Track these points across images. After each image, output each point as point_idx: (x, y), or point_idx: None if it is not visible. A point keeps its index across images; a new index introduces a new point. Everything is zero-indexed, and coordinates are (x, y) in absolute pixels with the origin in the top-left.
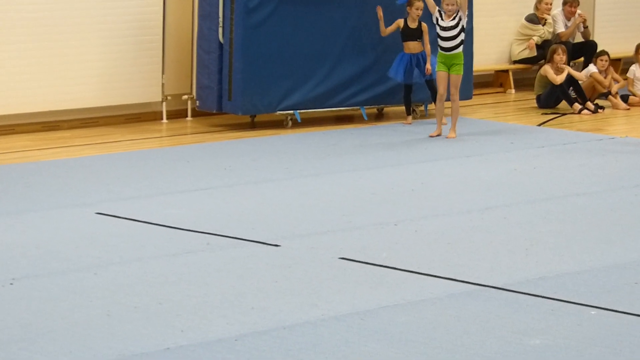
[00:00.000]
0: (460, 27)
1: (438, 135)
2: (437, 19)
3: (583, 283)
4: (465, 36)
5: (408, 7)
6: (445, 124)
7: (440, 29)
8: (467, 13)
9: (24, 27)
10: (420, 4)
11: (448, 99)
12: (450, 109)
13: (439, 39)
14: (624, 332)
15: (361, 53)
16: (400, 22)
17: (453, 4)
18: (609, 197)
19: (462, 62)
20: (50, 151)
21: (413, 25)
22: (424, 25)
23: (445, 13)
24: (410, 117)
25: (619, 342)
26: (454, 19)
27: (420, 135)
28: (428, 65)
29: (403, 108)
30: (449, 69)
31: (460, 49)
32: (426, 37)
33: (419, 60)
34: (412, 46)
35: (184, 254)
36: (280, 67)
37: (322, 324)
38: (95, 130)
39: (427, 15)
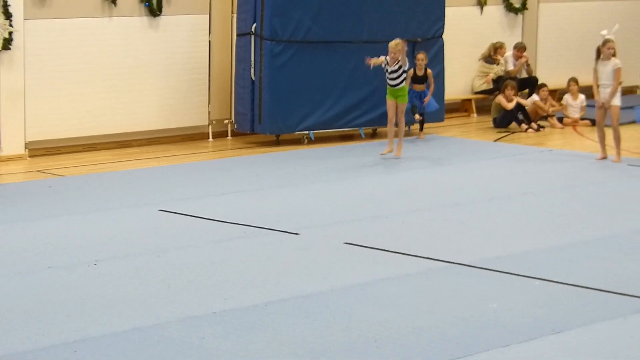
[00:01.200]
0: (401, 70)
1: (389, 152)
2: (385, 65)
3: (529, 260)
4: (438, 73)
5: (415, 59)
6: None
7: (388, 72)
8: (407, 62)
9: (104, 69)
10: (421, 56)
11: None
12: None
13: (387, 79)
14: (560, 298)
15: (359, 87)
16: (383, 59)
17: (395, 53)
18: (549, 196)
19: (406, 94)
20: (123, 163)
21: (420, 72)
22: (429, 71)
23: (390, 60)
24: (422, 133)
25: (556, 305)
26: (396, 64)
27: (405, 149)
28: (427, 98)
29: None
30: (396, 99)
31: (403, 84)
32: (431, 80)
33: (421, 96)
34: (418, 87)
35: (226, 240)
36: (298, 98)
37: (332, 293)
38: (157, 147)
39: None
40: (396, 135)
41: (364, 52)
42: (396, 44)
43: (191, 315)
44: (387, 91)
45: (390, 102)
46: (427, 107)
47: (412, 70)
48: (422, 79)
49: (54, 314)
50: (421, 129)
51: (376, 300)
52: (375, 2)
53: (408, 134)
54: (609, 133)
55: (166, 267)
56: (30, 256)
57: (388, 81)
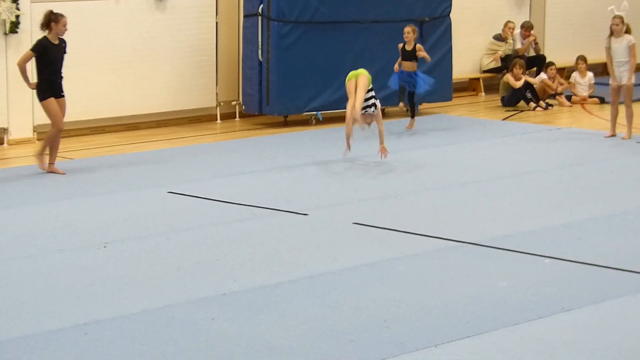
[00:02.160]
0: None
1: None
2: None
3: (538, 239)
4: (446, 53)
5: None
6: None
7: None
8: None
9: (111, 52)
10: (408, 29)
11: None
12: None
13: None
14: (569, 275)
15: (367, 67)
16: (401, 45)
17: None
18: (557, 173)
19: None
20: (132, 146)
21: (409, 47)
22: (419, 45)
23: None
24: (412, 122)
25: (565, 283)
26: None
27: (413, 128)
28: (427, 57)
29: (398, 109)
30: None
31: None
32: (424, 53)
33: (412, 77)
34: (407, 65)
35: (235, 221)
36: (306, 79)
37: (341, 273)
38: (166, 129)
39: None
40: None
41: (371, 32)
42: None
43: (201, 297)
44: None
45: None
46: (418, 88)
47: (401, 45)
48: (412, 55)
49: (64, 296)
50: (412, 115)
51: (385, 279)
52: None
53: (416, 114)
54: (622, 111)
55: (175, 249)
56: (40, 239)
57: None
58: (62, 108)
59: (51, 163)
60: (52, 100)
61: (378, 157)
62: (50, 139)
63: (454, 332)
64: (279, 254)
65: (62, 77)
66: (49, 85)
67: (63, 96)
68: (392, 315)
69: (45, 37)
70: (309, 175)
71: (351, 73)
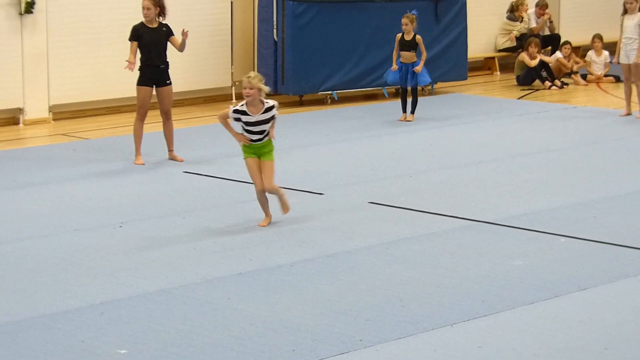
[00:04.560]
0: (270, 115)
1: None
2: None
3: (554, 217)
4: (461, 32)
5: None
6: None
7: (247, 124)
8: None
9: (125, 33)
10: (405, 20)
11: None
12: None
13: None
14: (585, 254)
15: (382, 46)
16: (399, 35)
17: (252, 88)
18: (573, 152)
19: (272, 149)
20: (147, 125)
21: (408, 37)
22: (418, 37)
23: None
24: (405, 115)
25: (581, 262)
26: (263, 112)
27: (428, 108)
28: (419, 67)
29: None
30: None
31: (267, 138)
32: (422, 46)
33: (409, 69)
34: (406, 56)
35: (250, 201)
36: (321, 58)
37: (356, 252)
38: (181, 109)
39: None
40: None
41: (386, 11)
42: (252, 78)
43: (217, 276)
44: (244, 149)
45: (251, 162)
46: (420, 82)
47: (399, 35)
48: (411, 45)
49: (80, 276)
50: (412, 110)
51: (401, 259)
52: None
53: (432, 93)
54: (635, 89)
55: (191, 229)
56: (56, 219)
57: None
58: (163, 95)
59: (170, 150)
60: (142, 88)
61: (390, 137)
62: (136, 130)
63: (470, 311)
64: (295, 233)
65: (163, 64)
66: (144, 71)
67: (167, 84)
68: (408, 295)
69: (140, 22)
70: (325, 154)
71: (246, 150)
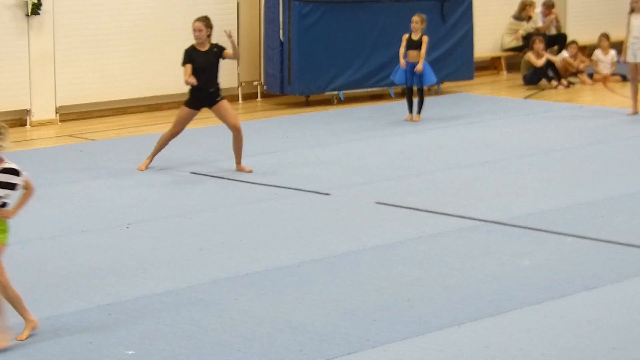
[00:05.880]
0: None
1: None
2: None
3: (561, 217)
4: (467, 32)
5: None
6: None
7: None
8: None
9: (133, 32)
10: (416, 18)
11: None
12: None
13: None
14: (592, 254)
15: (388, 46)
16: (406, 35)
17: None
18: (579, 152)
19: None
20: (153, 127)
21: (415, 37)
22: (425, 37)
23: None
24: (411, 115)
25: (588, 261)
26: None
27: (434, 108)
28: (419, 66)
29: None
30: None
31: None
32: (424, 47)
33: (413, 69)
34: (412, 54)
35: (257, 202)
36: (327, 58)
37: (363, 253)
38: None
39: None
40: None
41: (392, 11)
42: None
43: (224, 277)
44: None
45: None
46: (426, 82)
47: (407, 35)
48: (418, 44)
49: (87, 277)
50: (419, 110)
51: (408, 259)
52: None
53: (438, 92)
54: None
55: (198, 229)
56: (64, 220)
57: None
58: (221, 112)
59: (238, 163)
60: (184, 108)
61: (397, 137)
62: (160, 139)
63: (477, 310)
64: (301, 233)
65: (213, 87)
66: (193, 94)
67: (217, 101)
68: (415, 295)
69: (191, 45)
70: (331, 155)
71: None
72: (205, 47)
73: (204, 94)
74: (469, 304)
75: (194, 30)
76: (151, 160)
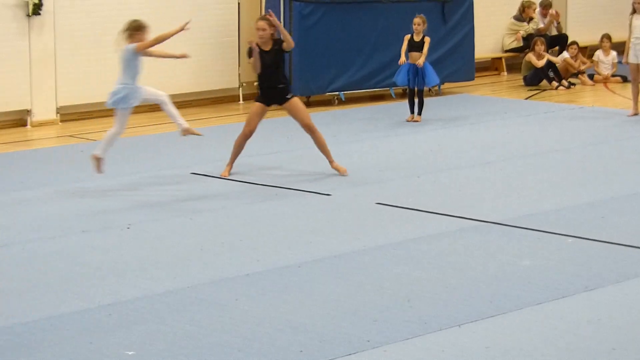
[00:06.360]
0: None
1: None
2: None
3: (561, 218)
4: (468, 33)
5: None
6: None
7: None
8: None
9: None
10: (417, 20)
11: None
12: None
13: None
14: (593, 254)
15: (389, 47)
16: (408, 36)
17: None
18: (580, 152)
19: None
20: (156, 126)
21: (417, 38)
22: (427, 38)
23: None
24: (412, 116)
25: (589, 262)
26: None
27: (435, 108)
28: (420, 61)
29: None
30: None
31: None
32: (426, 46)
33: (417, 70)
34: (415, 56)
35: (258, 202)
36: (328, 59)
37: (364, 253)
38: (189, 110)
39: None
40: None
41: (393, 12)
42: None
43: (224, 277)
44: None
45: None
46: (428, 83)
47: (408, 35)
48: (420, 46)
49: (88, 277)
50: (419, 111)
51: (408, 259)
52: None
53: (439, 93)
54: None
55: (199, 230)
56: (64, 220)
57: None
58: (292, 110)
59: (330, 162)
60: (254, 103)
61: (398, 138)
62: (235, 143)
63: (477, 311)
64: (302, 234)
65: (281, 83)
66: (262, 92)
67: (288, 99)
68: (415, 295)
69: (256, 44)
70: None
71: None
72: (269, 47)
73: (273, 91)
74: (469, 304)
75: (257, 29)
76: (232, 166)
